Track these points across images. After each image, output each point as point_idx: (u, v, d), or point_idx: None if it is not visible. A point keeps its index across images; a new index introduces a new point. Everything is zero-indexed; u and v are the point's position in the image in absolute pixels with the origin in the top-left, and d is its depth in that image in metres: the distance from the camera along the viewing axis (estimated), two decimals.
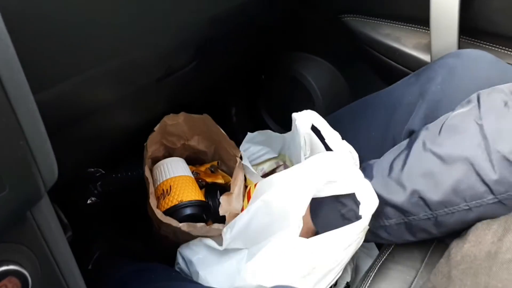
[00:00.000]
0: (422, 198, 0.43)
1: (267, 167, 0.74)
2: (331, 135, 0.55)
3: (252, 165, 0.72)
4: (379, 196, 0.45)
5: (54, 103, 0.40)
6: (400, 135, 0.54)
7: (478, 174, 0.39)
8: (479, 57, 0.49)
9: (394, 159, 0.47)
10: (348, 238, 0.43)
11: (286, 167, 0.74)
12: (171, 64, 0.56)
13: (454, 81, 0.49)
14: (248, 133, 0.74)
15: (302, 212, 0.45)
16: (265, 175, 0.74)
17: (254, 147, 0.73)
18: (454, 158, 0.40)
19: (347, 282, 0.57)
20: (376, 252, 0.63)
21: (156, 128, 0.64)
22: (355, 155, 0.55)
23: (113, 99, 0.55)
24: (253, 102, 1.01)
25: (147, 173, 0.61)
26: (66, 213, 0.77)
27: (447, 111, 0.47)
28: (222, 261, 0.52)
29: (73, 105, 0.47)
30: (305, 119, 0.57)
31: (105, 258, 0.75)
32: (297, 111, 0.67)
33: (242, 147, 0.73)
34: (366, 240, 0.49)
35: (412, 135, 0.52)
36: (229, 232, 0.50)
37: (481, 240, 0.37)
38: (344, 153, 0.53)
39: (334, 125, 0.62)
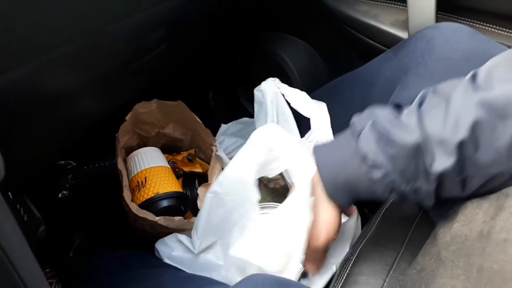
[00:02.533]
0: (468, 157, 0.34)
1: None
2: (297, 96, 0.56)
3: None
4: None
5: (6, 92, 0.37)
6: None
7: None
8: (458, 29, 0.48)
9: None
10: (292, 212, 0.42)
11: None
12: (138, 46, 0.52)
13: (434, 52, 0.47)
14: (222, 124, 0.72)
15: (254, 195, 0.44)
16: None
17: (229, 139, 0.72)
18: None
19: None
20: None
21: (127, 117, 0.61)
22: (326, 115, 0.55)
23: (76, 85, 0.52)
24: (231, 85, 0.98)
25: (120, 165, 0.58)
26: (39, 206, 0.74)
27: (430, 83, 0.45)
28: (199, 257, 0.50)
29: (29, 93, 0.44)
30: (269, 85, 0.58)
31: (85, 248, 0.73)
32: None
33: (217, 139, 0.71)
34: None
35: (401, 108, 0.50)
36: (195, 235, 0.48)
37: (471, 219, 0.35)
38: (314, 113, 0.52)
39: None
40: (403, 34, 0.63)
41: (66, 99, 0.54)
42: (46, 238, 0.72)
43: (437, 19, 0.58)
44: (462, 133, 0.34)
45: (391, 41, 0.64)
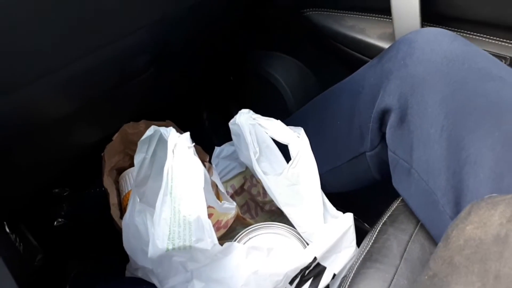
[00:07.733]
0: None
1: (236, 182, 0.72)
2: (273, 125, 0.56)
3: (223, 182, 0.70)
4: None
5: None
6: (366, 119, 0.51)
7: None
8: (439, 33, 0.48)
9: None
10: None
11: (251, 181, 0.72)
12: (124, 71, 0.53)
13: (414, 54, 0.47)
14: (216, 147, 0.72)
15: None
16: (236, 192, 0.72)
17: (223, 162, 0.72)
18: None
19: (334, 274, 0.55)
20: None
21: (114, 137, 0.61)
22: (304, 139, 0.56)
23: (68, 111, 0.52)
24: (225, 104, 0.99)
25: (106, 183, 0.58)
26: (36, 235, 0.73)
27: (411, 86, 0.45)
28: None
29: (19, 120, 0.44)
30: (245, 117, 0.58)
31: (82, 277, 0.71)
32: (269, 110, 0.66)
33: (213, 161, 0.71)
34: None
35: (388, 113, 0.48)
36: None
37: (486, 221, 0.33)
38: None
39: (300, 121, 0.60)
40: None
41: (58, 126, 0.54)
42: (44, 267, 0.71)
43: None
44: None
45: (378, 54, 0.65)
